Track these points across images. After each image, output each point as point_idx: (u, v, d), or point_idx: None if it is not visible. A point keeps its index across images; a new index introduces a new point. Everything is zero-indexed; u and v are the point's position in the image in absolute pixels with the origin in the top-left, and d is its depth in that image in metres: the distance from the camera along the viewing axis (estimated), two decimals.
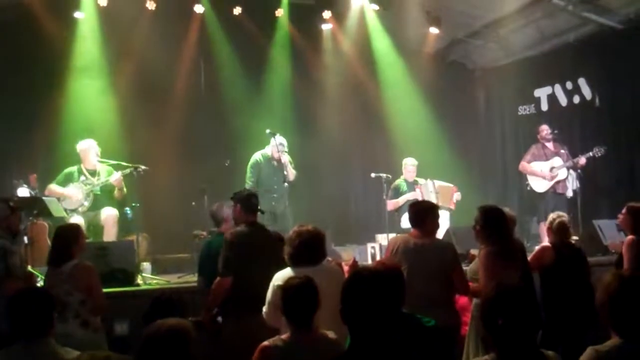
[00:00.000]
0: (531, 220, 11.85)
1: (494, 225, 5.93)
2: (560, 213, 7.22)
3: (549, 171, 10.94)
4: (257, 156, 10.37)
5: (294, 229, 5.36)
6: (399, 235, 6.76)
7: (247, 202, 6.45)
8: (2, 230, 6.44)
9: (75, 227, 6.52)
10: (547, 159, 11.07)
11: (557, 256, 6.70)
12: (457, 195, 11.20)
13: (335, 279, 4.75)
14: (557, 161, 10.98)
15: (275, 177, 10.24)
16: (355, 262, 6.20)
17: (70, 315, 5.63)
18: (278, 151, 10.09)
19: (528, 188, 11.27)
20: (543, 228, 10.82)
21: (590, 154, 10.74)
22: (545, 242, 10.62)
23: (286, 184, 10.13)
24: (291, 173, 10.19)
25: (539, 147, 11.23)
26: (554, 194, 10.94)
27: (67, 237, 6.09)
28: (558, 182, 10.95)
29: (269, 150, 10.32)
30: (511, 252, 5.89)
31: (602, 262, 8.70)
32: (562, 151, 11.05)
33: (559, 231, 6.90)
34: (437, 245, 6.08)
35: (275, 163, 10.24)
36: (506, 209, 6.66)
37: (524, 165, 11.29)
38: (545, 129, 11.26)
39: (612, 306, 3.33)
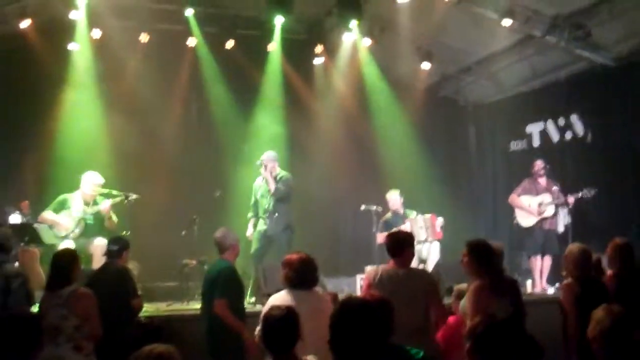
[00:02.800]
0: (521, 254, 11.80)
1: (481, 259, 5.91)
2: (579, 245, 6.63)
3: (537, 206, 10.91)
4: (256, 180, 10.53)
5: (294, 255, 5.53)
6: (377, 266, 6.76)
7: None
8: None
9: (74, 252, 6.59)
10: (537, 194, 11.02)
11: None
12: (439, 222, 11.09)
13: (326, 305, 4.84)
14: (546, 197, 10.93)
15: (265, 199, 10.33)
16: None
17: (63, 339, 5.61)
18: (264, 168, 10.30)
19: (515, 222, 11.23)
20: (534, 262, 10.81)
21: (580, 194, 10.64)
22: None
23: (275, 200, 10.20)
24: (272, 186, 10.23)
25: (531, 181, 11.21)
26: (542, 229, 10.90)
27: (66, 261, 6.13)
28: (545, 219, 10.91)
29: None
30: (501, 285, 5.86)
31: None
32: (555, 188, 11.00)
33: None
34: (414, 274, 6.15)
35: (267, 184, 10.29)
36: (494, 242, 6.62)
37: (513, 197, 11.27)
38: (538, 164, 11.22)
39: (603, 340, 3.33)
